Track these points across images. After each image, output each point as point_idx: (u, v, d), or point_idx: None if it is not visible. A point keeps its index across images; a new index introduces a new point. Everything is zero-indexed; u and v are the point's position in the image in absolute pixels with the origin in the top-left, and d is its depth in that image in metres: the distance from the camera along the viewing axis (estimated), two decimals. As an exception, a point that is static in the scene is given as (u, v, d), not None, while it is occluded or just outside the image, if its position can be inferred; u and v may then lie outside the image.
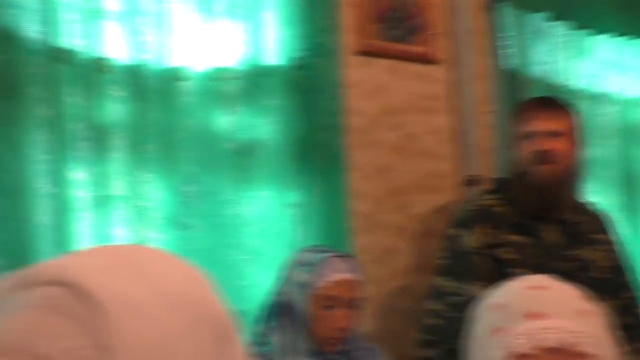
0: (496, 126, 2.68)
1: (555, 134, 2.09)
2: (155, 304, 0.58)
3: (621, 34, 3.10)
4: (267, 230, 2.17)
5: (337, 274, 1.75)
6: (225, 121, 2.19)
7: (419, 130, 2.58)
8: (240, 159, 2.16)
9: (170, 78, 2.12)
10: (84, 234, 1.91)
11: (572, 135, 2.15)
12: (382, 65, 2.53)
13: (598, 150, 2.88)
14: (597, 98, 3.02)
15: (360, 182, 2.38)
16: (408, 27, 2.62)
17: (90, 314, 0.55)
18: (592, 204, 2.36)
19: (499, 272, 1.95)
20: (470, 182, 2.59)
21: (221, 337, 0.61)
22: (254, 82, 2.23)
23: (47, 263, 0.60)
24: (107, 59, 2.05)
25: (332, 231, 2.23)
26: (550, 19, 2.88)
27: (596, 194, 2.74)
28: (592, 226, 2.24)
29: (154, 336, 0.57)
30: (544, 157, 2.07)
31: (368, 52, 2.50)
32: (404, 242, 2.47)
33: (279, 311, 1.77)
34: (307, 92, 2.30)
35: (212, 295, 0.64)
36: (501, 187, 2.23)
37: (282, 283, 1.80)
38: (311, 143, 2.28)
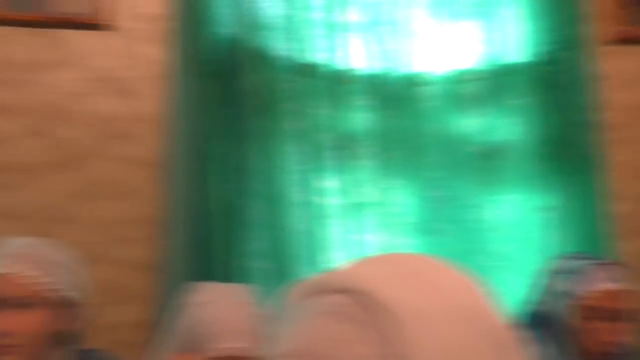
0: None
1: None
2: (442, 316, 0.57)
3: None
4: (517, 236, 2.07)
5: (602, 283, 1.61)
6: (469, 123, 2.14)
7: (687, 122, 2.30)
8: (486, 161, 2.10)
9: (413, 84, 2.13)
10: (336, 240, 1.98)
11: None
12: (638, 53, 2.30)
13: None
14: None
15: (619, 182, 2.18)
16: (669, 8, 2.36)
17: (380, 322, 0.56)
18: None
19: None
20: None
21: (501, 351, 0.59)
22: (497, 81, 2.16)
23: (336, 271, 0.62)
24: (350, 70, 2.11)
25: (588, 236, 2.07)
26: None
27: None
28: None
29: (442, 348, 0.56)
30: None
31: (624, 40, 2.29)
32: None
33: (538, 321, 1.68)
34: (555, 88, 2.17)
35: (491, 308, 0.61)
36: None
37: (541, 292, 1.70)
38: (562, 142, 2.14)
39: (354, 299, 0.57)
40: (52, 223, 1.84)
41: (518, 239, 2.07)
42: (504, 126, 2.15)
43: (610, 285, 1.62)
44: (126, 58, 1.99)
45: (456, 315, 0.58)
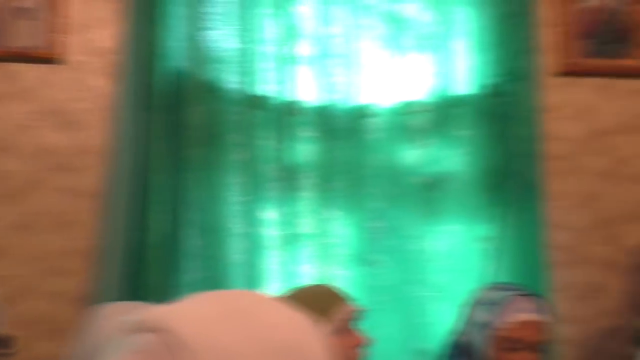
0: None
1: None
2: (250, 352, 0.61)
3: None
4: (456, 266, 2.11)
5: (521, 314, 1.65)
6: (414, 155, 2.18)
7: (632, 153, 2.33)
8: (428, 193, 2.14)
9: (358, 116, 2.17)
10: (273, 270, 2.03)
11: None
12: (588, 84, 2.34)
13: None
14: None
15: (560, 212, 2.21)
16: (620, 40, 2.40)
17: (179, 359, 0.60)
18: None
19: None
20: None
21: None
22: (443, 113, 2.20)
23: (153, 310, 0.66)
24: (298, 102, 2.16)
25: (527, 266, 2.10)
26: None
27: None
28: None
29: None
30: None
31: (572, 72, 2.33)
32: (613, 278, 2.24)
33: (460, 351, 1.71)
34: (501, 119, 2.20)
35: (316, 345, 0.65)
36: None
37: (463, 322, 1.74)
38: (504, 173, 2.17)
39: (161, 337, 0.61)
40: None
41: (457, 270, 2.11)
42: (448, 157, 2.19)
43: (529, 317, 1.65)
44: (76, 91, 2.05)
45: (269, 351, 0.61)
